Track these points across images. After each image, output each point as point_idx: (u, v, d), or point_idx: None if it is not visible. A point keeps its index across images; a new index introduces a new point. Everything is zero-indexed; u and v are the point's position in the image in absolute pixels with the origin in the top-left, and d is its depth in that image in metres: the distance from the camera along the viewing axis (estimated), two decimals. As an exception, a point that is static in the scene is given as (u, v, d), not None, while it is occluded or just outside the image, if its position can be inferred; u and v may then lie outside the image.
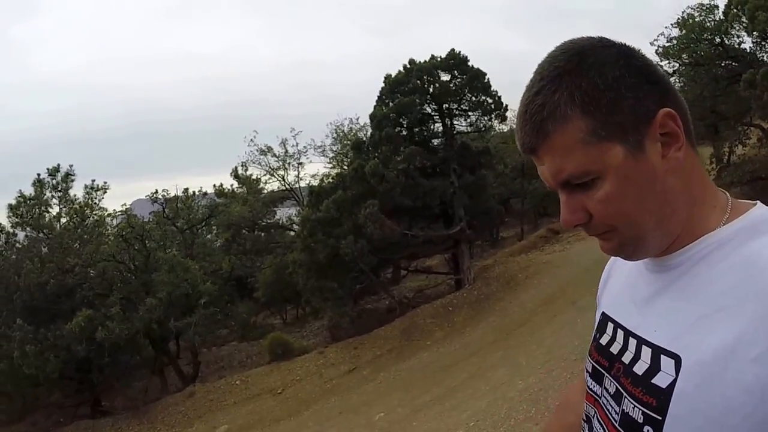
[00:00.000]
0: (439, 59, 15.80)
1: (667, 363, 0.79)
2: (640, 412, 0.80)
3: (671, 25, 16.99)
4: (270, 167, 20.63)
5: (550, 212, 24.68)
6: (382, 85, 16.25)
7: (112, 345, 14.44)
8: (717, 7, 16.89)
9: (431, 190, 15.47)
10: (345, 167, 20.31)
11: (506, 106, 16.02)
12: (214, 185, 20.74)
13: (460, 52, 15.60)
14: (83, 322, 14.21)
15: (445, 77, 15.90)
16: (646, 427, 0.79)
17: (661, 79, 0.82)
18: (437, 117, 16.53)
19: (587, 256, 16.18)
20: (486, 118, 16.60)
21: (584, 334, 9.69)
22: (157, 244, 16.06)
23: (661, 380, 0.78)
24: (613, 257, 1.01)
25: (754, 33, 14.17)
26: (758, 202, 0.84)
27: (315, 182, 22.16)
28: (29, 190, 17.87)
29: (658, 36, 17.59)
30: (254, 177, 22.27)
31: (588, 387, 0.98)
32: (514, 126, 0.86)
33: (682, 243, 0.82)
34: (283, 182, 20.90)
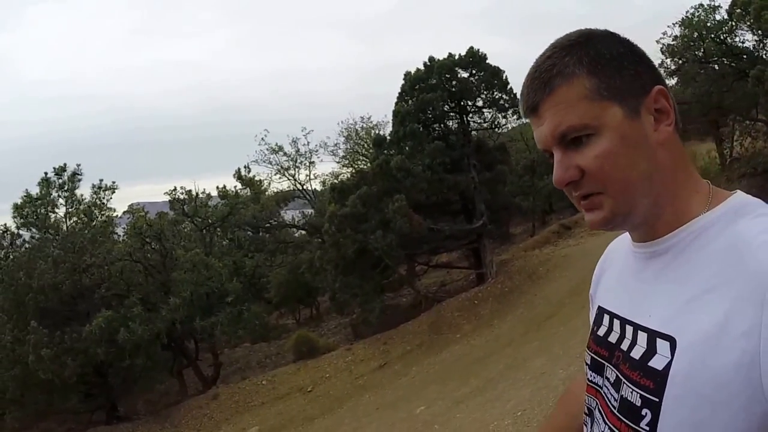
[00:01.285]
0: (457, 57, 16.05)
1: (662, 345, 0.81)
2: (638, 395, 0.82)
3: (674, 24, 17.52)
4: (281, 166, 20.60)
5: (556, 209, 25.09)
6: (402, 82, 16.44)
7: (134, 347, 14.12)
8: (720, 7, 17.54)
9: (455, 185, 15.62)
10: (356, 165, 20.36)
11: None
12: (217, 187, 20.59)
13: (479, 50, 15.95)
14: (104, 323, 13.82)
15: (463, 74, 16.13)
16: (645, 410, 0.81)
17: (657, 69, 0.89)
18: (453, 114, 16.70)
19: (605, 249, 16.55)
20: (501, 114, 16.87)
21: None
22: (176, 242, 15.78)
23: (657, 363, 0.80)
24: (603, 255, 1.10)
25: (759, 31, 14.57)
26: (738, 190, 0.88)
27: (323, 181, 22.24)
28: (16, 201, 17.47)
29: (662, 35, 18.04)
30: (257, 178, 22.22)
31: (588, 380, 1.00)
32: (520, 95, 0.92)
33: (669, 227, 0.85)
34: (294, 181, 20.87)
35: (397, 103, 16.23)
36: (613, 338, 0.94)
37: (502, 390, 9.92)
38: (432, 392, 11.83)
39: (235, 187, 20.82)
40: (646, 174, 0.84)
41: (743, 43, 16.73)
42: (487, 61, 15.95)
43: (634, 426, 0.83)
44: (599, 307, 1.03)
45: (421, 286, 17.60)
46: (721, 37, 16.59)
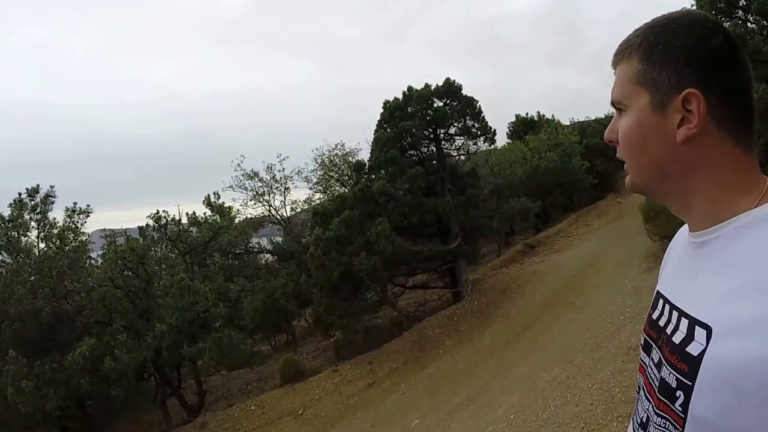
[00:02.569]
0: (434, 87, 16.95)
1: (699, 333, 0.85)
2: (675, 377, 0.88)
3: None
4: (256, 192, 20.85)
5: (517, 230, 26.18)
6: (381, 110, 17.18)
7: (120, 376, 13.86)
8: None
9: (432, 208, 16.37)
10: (330, 191, 20.86)
11: (494, 130, 17.37)
12: (187, 213, 20.55)
13: (455, 81, 16.89)
14: (87, 351, 13.42)
15: (439, 103, 17.05)
16: (678, 392, 0.86)
17: (727, 74, 0.88)
18: (428, 140, 17.53)
19: (569, 264, 17.42)
20: (471, 142, 17.86)
21: (591, 327, 10.42)
22: (159, 267, 15.70)
23: (693, 349, 0.85)
24: (671, 243, 1.13)
25: None
26: None
27: (293, 208, 22.57)
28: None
29: None
30: (227, 205, 22.34)
31: (640, 359, 1.06)
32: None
33: (712, 221, 0.89)
34: (269, 206, 21.14)
35: (377, 130, 16.94)
36: (662, 322, 0.99)
37: (492, 397, 10.32)
38: (424, 406, 12.12)
39: (204, 213, 20.90)
40: (657, 161, 0.91)
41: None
42: (462, 92, 16.94)
43: (670, 405, 0.88)
44: (657, 292, 1.08)
45: (403, 305, 18.14)
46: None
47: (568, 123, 32.63)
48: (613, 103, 0.97)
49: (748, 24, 12.15)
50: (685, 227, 1.03)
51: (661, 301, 1.03)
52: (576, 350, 9.57)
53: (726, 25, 11.51)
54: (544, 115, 32.66)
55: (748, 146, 0.89)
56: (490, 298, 16.83)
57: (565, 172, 24.96)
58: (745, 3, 11.80)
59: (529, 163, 23.49)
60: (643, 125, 0.91)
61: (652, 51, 0.90)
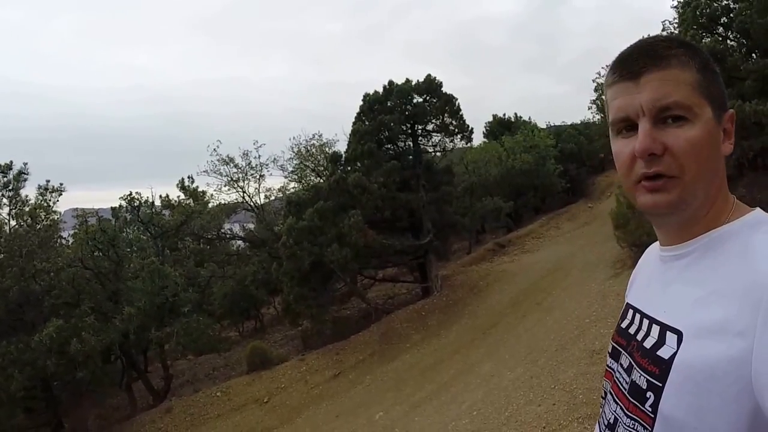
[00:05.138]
0: (415, 83, 17.02)
1: (671, 338, 0.90)
2: (645, 379, 0.92)
3: (607, 65, 19.35)
4: (231, 178, 20.74)
5: (488, 229, 26.44)
6: (361, 102, 17.21)
7: (86, 359, 13.63)
8: None
9: (406, 203, 16.47)
10: (305, 181, 20.83)
11: (472, 128, 17.52)
12: (160, 196, 20.33)
13: (435, 77, 16.96)
14: (54, 333, 13.17)
15: (418, 99, 17.14)
16: (649, 393, 0.90)
17: None
18: (405, 136, 17.62)
19: (538, 265, 17.67)
20: (449, 139, 17.97)
21: (557, 329, 10.63)
22: (130, 249, 15.50)
23: (664, 352, 0.89)
24: (640, 260, 1.19)
25: None
26: (758, 207, 0.96)
27: (267, 195, 22.51)
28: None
29: (596, 74, 19.93)
30: (201, 189, 22.14)
31: (607, 365, 1.11)
32: (617, 62, 0.97)
33: (696, 232, 0.94)
34: (243, 193, 21.04)
35: (355, 122, 16.97)
36: (632, 330, 1.04)
37: (456, 393, 10.46)
38: (389, 398, 12.22)
39: (178, 197, 20.70)
40: (712, 173, 0.92)
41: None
42: (442, 89, 17.03)
43: (640, 406, 0.92)
44: (627, 304, 1.13)
45: (369, 298, 18.22)
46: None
47: (544, 126, 33.00)
48: (663, 108, 0.89)
49: (728, 41, 12.33)
50: (654, 246, 1.09)
51: (631, 311, 1.08)
52: (540, 351, 9.74)
53: (706, 41, 11.82)
54: (521, 117, 32.99)
55: None
56: (458, 295, 16.99)
57: (538, 174, 25.25)
58: (726, 20, 12.01)
59: (504, 163, 23.74)
60: (712, 136, 0.91)
61: (706, 68, 0.92)
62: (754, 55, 11.64)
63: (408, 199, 16.45)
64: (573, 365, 7.81)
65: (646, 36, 1.04)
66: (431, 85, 16.86)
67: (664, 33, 15.24)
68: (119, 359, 15.28)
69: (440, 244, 17.49)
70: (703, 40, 11.89)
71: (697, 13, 12.09)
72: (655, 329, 0.95)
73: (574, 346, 8.81)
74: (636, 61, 0.92)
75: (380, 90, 17.18)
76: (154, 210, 17.24)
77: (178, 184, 21.60)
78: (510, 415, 7.14)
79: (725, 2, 12.08)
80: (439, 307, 16.61)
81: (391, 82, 17.08)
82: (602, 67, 19.92)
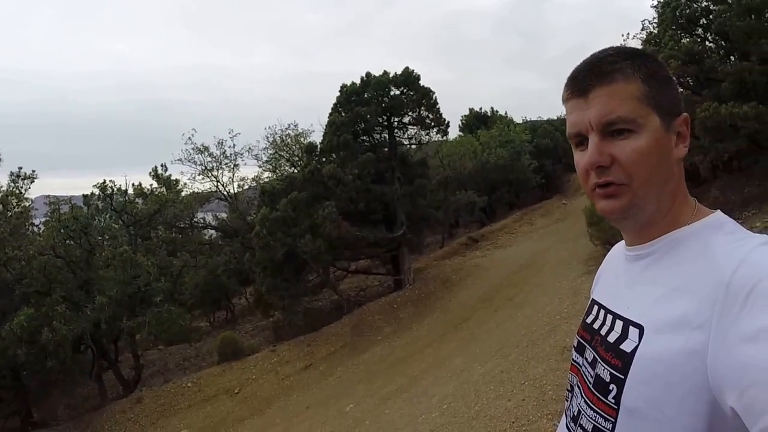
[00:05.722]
0: (392, 75, 17.00)
1: (633, 332, 0.94)
2: (609, 372, 0.95)
3: None
4: (205, 167, 20.50)
5: (462, 223, 26.54)
6: (338, 93, 17.10)
7: (57, 348, 13.39)
8: None
9: (380, 195, 16.45)
10: (279, 171, 20.68)
11: (448, 122, 17.53)
12: (133, 184, 20.01)
13: (413, 70, 16.95)
14: (25, 321, 13.01)
15: (395, 92, 17.10)
16: (612, 385, 0.94)
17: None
18: (381, 128, 17.57)
19: (511, 260, 17.77)
20: (424, 132, 17.98)
21: (528, 325, 10.62)
22: (102, 238, 15.19)
23: (627, 346, 0.93)
24: (606, 258, 1.23)
25: None
26: (719, 210, 0.99)
27: (240, 185, 22.31)
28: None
29: None
30: (174, 178, 21.86)
31: (573, 360, 1.15)
32: (566, 82, 1.00)
33: (659, 233, 0.98)
34: (217, 182, 20.81)
35: (331, 113, 16.91)
36: (596, 325, 1.07)
37: (426, 386, 10.40)
38: (359, 391, 12.18)
39: (151, 185, 20.40)
40: (663, 179, 0.95)
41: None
42: (420, 82, 17.01)
43: (603, 399, 0.96)
44: (592, 300, 1.17)
45: (341, 290, 18.19)
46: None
47: (520, 121, 33.16)
48: (608, 123, 0.93)
49: (707, 42, 12.43)
50: (620, 245, 1.13)
51: (596, 307, 1.12)
52: (511, 346, 9.73)
53: (685, 41, 11.88)
54: (497, 111, 33.10)
55: None
56: (430, 288, 17.06)
57: (513, 169, 25.40)
58: (705, 22, 12.11)
59: (479, 157, 23.82)
60: (659, 144, 0.93)
61: (654, 76, 0.95)
62: (731, 57, 11.76)
63: (382, 192, 16.46)
64: (543, 361, 7.83)
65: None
66: (409, 78, 16.86)
67: (644, 33, 15.42)
68: (90, 349, 15.02)
69: (413, 237, 17.53)
70: (682, 41, 11.97)
71: (677, 13, 12.17)
72: (619, 324, 0.98)
73: (544, 342, 8.83)
74: (584, 79, 0.96)
75: (358, 82, 17.12)
76: (127, 198, 16.90)
77: (151, 173, 21.29)
78: (480, 410, 7.13)
79: (705, 4, 12.17)
80: (411, 300, 16.65)
81: (368, 74, 17.05)
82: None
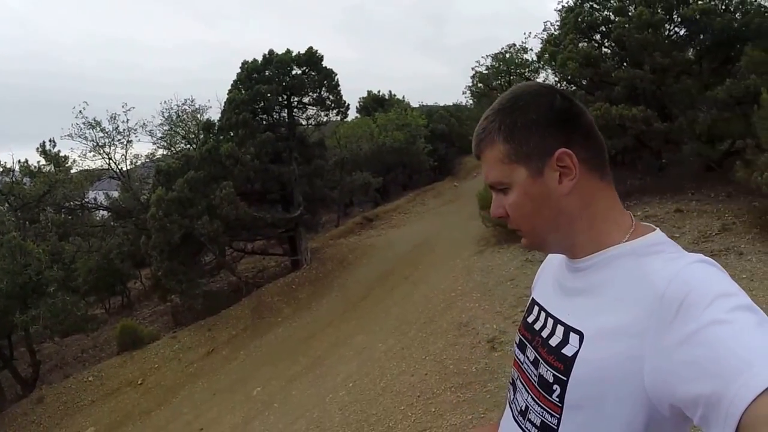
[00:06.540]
0: (295, 54, 16.80)
1: (573, 338, 1.00)
2: (552, 374, 1.02)
3: (487, 55, 20.54)
4: (97, 143, 19.23)
5: (356, 202, 26.78)
6: (239, 70, 16.68)
7: None
8: (531, 49, 20.79)
9: (278, 175, 16.36)
10: (174, 148, 19.92)
11: (348, 104, 17.63)
12: (19, 161, 18.43)
13: (317, 51, 16.87)
14: None
15: (297, 71, 16.94)
16: (555, 386, 1.01)
17: (578, 124, 1.04)
18: (279, 107, 17.40)
19: (405, 240, 18.11)
20: (324, 113, 18.01)
21: (424, 302, 10.93)
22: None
23: (568, 351, 1.00)
24: (546, 259, 1.30)
25: (561, 76, 17.36)
26: (657, 229, 1.04)
27: (133, 162, 21.24)
28: None
29: (476, 63, 21.22)
30: (63, 154, 20.37)
31: (515, 355, 1.21)
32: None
33: (588, 251, 1.04)
34: (109, 159, 19.61)
35: (231, 90, 16.54)
36: (537, 326, 1.13)
37: (330, 365, 10.51)
38: (265, 373, 12.19)
39: (38, 162, 18.89)
40: (550, 218, 1.03)
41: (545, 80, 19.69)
42: (322, 63, 16.97)
43: (548, 397, 1.02)
44: (533, 299, 1.23)
45: (239, 271, 17.96)
46: (526, 75, 19.51)
47: (416, 105, 33.79)
48: (492, 186, 1.07)
49: (604, 48, 13.18)
50: None
51: (536, 307, 1.18)
52: (410, 323, 9.93)
53: (583, 46, 12.76)
54: (395, 95, 33.55)
55: (608, 178, 1.06)
56: (328, 268, 17.17)
57: (408, 152, 25.89)
58: (604, 29, 12.85)
59: (375, 139, 24.13)
60: (529, 194, 1.02)
61: (513, 131, 1.02)
62: (625, 64, 12.53)
63: (280, 172, 16.38)
64: (441, 337, 8.10)
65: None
66: (312, 58, 16.79)
67: (544, 33, 16.32)
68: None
69: (310, 217, 17.60)
70: (580, 44, 12.78)
71: (579, 20, 12.90)
72: (560, 329, 1.04)
73: (441, 319, 9.10)
74: (474, 147, 1.09)
75: (260, 59, 16.84)
76: (14, 179, 15.52)
77: (38, 148, 19.70)
78: (385, 386, 7.33)
79: (606, 13, 12.96)
80: (309, 280, 16.70)
81: (271, 51, 16.80)
82: (482, 57, 21.66)
